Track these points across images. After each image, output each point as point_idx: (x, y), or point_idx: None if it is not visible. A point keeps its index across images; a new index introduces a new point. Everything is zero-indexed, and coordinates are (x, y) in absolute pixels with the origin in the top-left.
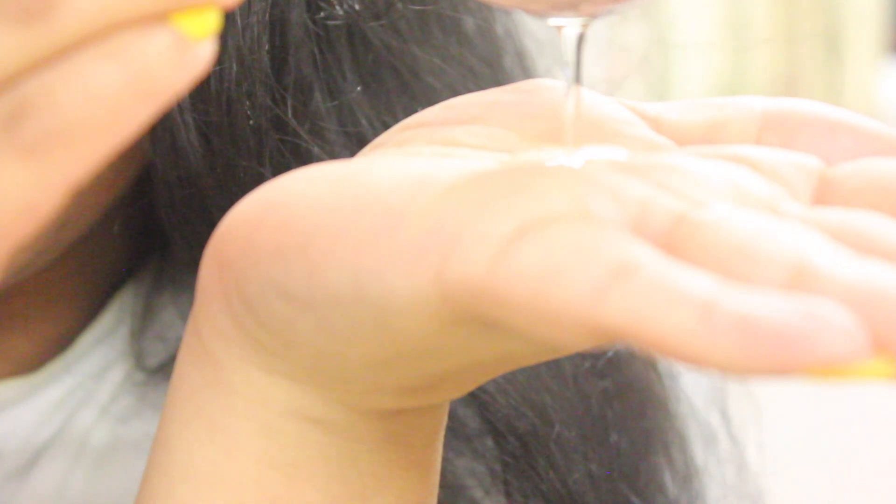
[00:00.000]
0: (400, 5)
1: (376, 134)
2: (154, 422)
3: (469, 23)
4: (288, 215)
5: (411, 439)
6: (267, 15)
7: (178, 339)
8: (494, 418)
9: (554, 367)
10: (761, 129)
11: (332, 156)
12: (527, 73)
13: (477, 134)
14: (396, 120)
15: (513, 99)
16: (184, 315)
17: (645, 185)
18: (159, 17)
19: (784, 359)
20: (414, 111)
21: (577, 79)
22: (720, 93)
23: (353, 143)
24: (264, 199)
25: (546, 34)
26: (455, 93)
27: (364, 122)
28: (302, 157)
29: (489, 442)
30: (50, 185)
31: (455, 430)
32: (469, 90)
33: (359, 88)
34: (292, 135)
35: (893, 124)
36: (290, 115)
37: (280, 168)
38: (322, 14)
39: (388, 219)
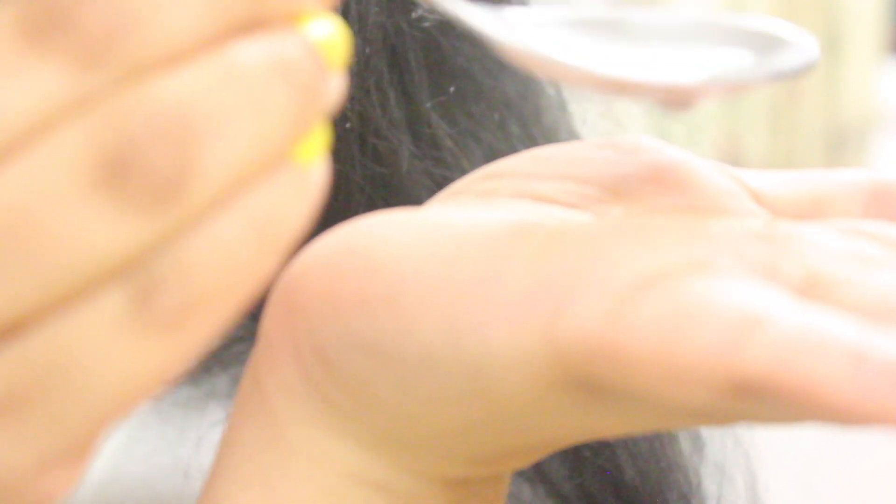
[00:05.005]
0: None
1: (439, 136)
2: (157, 451)
3: None
4: (374, 262)
5: None
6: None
7: None
8: None
9: None
10: (868, 204)
11: (394, 153)
12: None
13: (569, 192)
14: (455, 120)
15: (608, 157)
16: None
17: (768, 247)
18: (281, 157)
19: None
20: (476, 111)
21: None
22: None
23: (427, 144)
24: (344, 243)
25: None
26: (504, 91)
27: (434, 123)
28: (381, 156)
29: None
30: (182, 354)
31: None
32: (527, 86)
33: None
34: (373, 134)
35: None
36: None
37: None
38: (414, 15)
39: (488, 268)
